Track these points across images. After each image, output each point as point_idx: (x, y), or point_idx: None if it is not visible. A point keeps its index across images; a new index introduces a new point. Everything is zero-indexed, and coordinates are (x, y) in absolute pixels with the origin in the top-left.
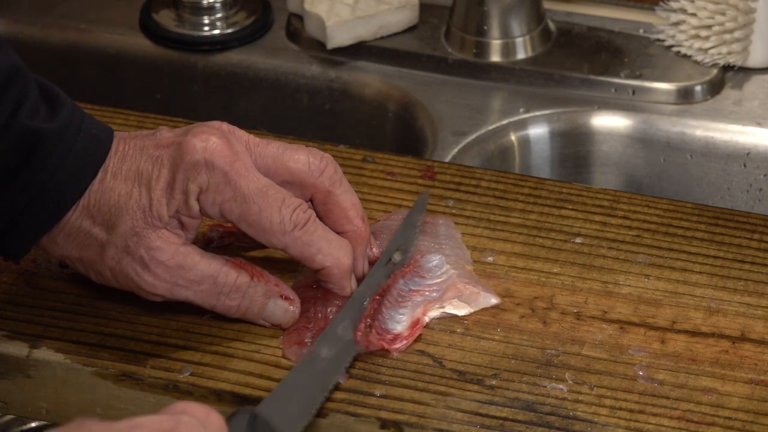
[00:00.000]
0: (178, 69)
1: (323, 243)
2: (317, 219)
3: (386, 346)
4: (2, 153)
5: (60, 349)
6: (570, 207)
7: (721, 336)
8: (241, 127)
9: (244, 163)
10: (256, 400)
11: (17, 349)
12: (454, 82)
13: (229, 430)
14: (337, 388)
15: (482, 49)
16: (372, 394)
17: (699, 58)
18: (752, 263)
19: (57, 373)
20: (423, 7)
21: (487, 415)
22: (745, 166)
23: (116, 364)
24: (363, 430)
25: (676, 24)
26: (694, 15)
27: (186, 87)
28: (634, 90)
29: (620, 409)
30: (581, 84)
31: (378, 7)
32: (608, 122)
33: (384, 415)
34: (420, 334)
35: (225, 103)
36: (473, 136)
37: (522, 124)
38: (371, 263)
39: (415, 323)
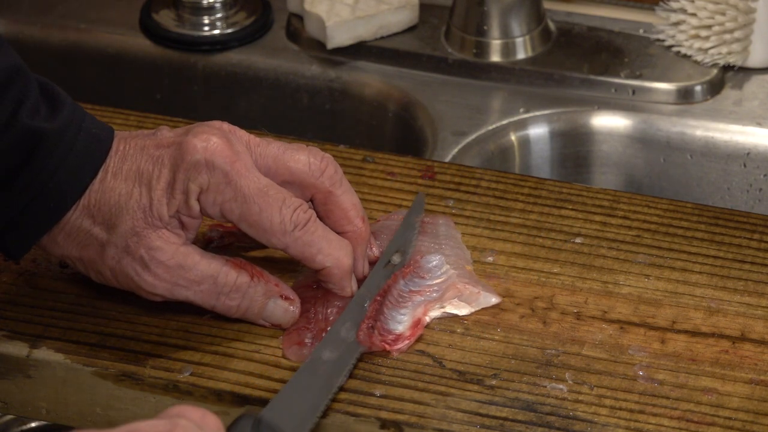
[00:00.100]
0: (178, 69)
1: (324, 243)
2: (317, 219)
3: (388, 347)
4: (3, 152)
5: (60, 349)
6: (570, 207)
7: (721, 336)
8: (241, 127)
9: (244, 163)
10: (256, 400)
11: (17, 349)
12: (454, 82)
13: None
14: (340, 390)
15: (482, 49)
16: (372, 394)
17: (699, 58)
18: (752, 263)
19: (57, 373)
20: (423, 7)
21: (487, 415)
22: (745, 166)
23: (116, 364)
24: (363, 430)
25: (676, 24)
26: (694, 15)
27: (186, 87)
28: (634, 90)
29: (620, 409)
30: (581, 84)
31: (378, 7)
32: (608, 122)
33: (384, 415)
34: (421, 334)
35: (225, 103)
36: (473, 136)
37: (522, 124)
38: (371, 263)
39: (416, 323)
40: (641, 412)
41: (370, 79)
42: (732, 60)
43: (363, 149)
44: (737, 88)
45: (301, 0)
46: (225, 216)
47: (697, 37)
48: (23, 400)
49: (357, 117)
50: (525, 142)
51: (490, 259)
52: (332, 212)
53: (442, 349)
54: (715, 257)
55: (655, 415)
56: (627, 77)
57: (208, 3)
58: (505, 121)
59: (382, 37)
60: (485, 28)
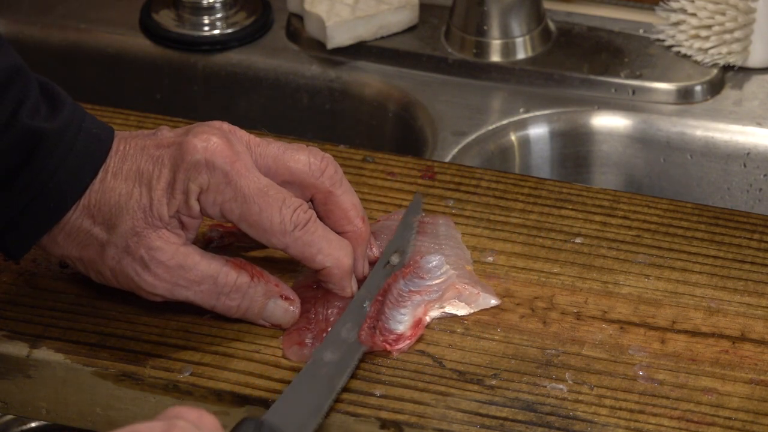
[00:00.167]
0: (178, 69)
1: (324, 243)
2: (318, 219)
3: (389, 347)
4: (3, 152)
5: (60, 349)
6: (570, 207)
7: (721, 336)
8: (241, 127)
9: (244, 163)
10: (256, 400)
11: (17, 349)
12: (454, 82)
13: None
14: (347, 390)
15: (482, 49)
16: (372, 394)
17: (699, 58)
18: (752, 263)
19: (57, 373)
20: (423, 7)
21: (487, 415)
22: (745, 166)
23: (116, 364)
24: (363, 430)
25: (676, 24)
26: (694, 15)
27: (186, 87)
28: (634, 90)
29: (620, 409)
30: (581, 84)
31: (378, 7)
32: (608, 122)
33: (384, 415)
34: (422, 334)
35: (225, 103)
36: (473, 136)
37: (522, 124)
38: (371, 263)
39: (417, 323)
40: (641, 412)
41: (370, 79)
42: (732, 60)
43: (363, 149)
44: (737, 88)
45: (301, 0)
46: (225, 216)
47: (697, 37)
48: (23, 400)
49: (357, 117)
50: (525, 142)
51: (490, 259)
52: (332, 212)
53: (442, 349)
54: (715, 257)
55: (655, 415)
56: (627, 77)
57: (208, 3)
58: (505, 121)
59: (382, 37)
60: (485, 28)
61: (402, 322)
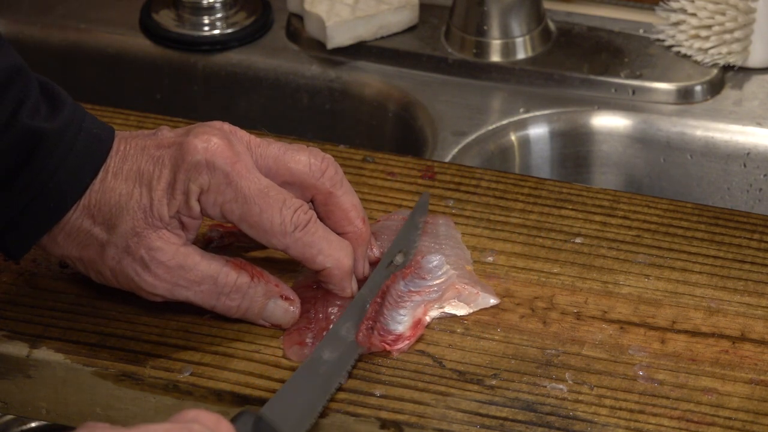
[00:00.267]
0: (178, 69)
1: (324, 244)
2: (318, 220)
3: (388, 347)
4: (3, 152)
5: (60, 349)
6: (570, 207)
7: (721, 336)
8: (241, 127)
9: (245, 164)
10: (256, 400)
11: (17, 349)
12: (454, 82)
13: None
14: (347, 390)
15: (482, 49)
16: (372, 394)
17: (699, 58)
18: (752, 263)
19: (57, 373)
20: (423, 7)
21: (487, 415)
22: (745, 166)
23: (116, 364)
24: (363, 430)
25: (676, 24)
26: (694, 15)
27: (186, 87)
28: (634, 90)
29: (620, 409)
30: (581, 84)
31: (378, 7)
32: (608, 122)
33: (384, 415)
34: (421, 334)
35: (225, 103)
36: (473, 136)
37: (522, 124)
38: (372, 264)
39: (417, 323)
40: (641, 412)
41: (370, 79)
42: (732, 60)
43: (363, 149)
44: (737, 88)
45: (301, 0)
46: (225, 217)
47: (697, 37)
48: (23, 400)
49: (357, 117)
50: (525, 142)
51: (490, 259)
52: (333, 213)
53: (442, 349)
54: (715, 257)
55: (655, 415)
56: (627, 77)
57: (208, 3)
58: (505, 121)
59: (382, 37)
60: (485, 28)
61: (401, 322)
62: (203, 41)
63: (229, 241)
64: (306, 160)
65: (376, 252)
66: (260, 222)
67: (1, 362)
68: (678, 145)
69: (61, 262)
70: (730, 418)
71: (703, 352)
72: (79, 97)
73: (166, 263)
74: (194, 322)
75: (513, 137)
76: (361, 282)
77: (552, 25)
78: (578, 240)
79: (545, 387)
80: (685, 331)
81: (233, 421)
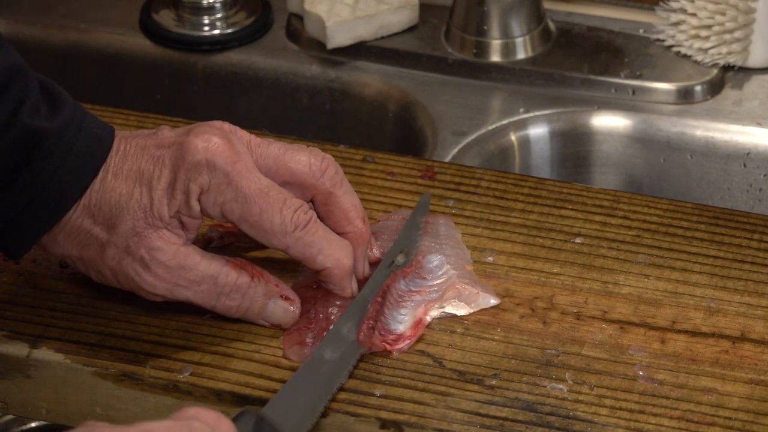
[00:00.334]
0: (178, 69)
1: (324, 244)
2: (318, 220)
3: (389, 347)
4: (3, 152)
5: (60, 349)
6: (570, 207)
7: (721, 336)
8: (241, 127)
9: (245, 164)
10: (256, 400)
11: (17, 349)
12: (454, 82)
13: None
14: (347, 390)
15: (482, 49)
16: (372, 394)
17: (699, 58)
18: (752, 263)
19: (57, 373)
20: (423, 7)
21: (487, 415)
22: (745, 166)
23: (116, 364)
24: (363, 430)
25: (676, 24)
26: (694, 15)
27: (186, 87)
28: (634, 90)
29: (620, 409)
30: (581, 84)
31: (378, 7)
32: (608, 122)
33: (384, 415)
34: (422, 334)
35: (225, 103)
36: (473, 136)
37: (522, 124)
38: (372, 264)
39: (418, 323)
40: (641, 412)
41: (370, 79)
42: (732, 60)
43: (363, 149)
44: (737, 88)
45: (301, 0)
46: (226, 216)
47: (697, 37)
48: (23, 400)
49: (357, 117)
50: (525, 142)
51: (490, 259)
52: (333, 213)
53: (442, 349)
54: (715, 257)
55: (655, 415)
56: (627, 77)
57: (208, 3)
58: (505, 121)
59: (382, 37)
60: (485, 28)
61: (402, 322)
62: (203, 41)
63: (229, 241)
64: (306, 160)
65: (376, 252)
66: (260, 222)
67: (1, 362)
68: (678, 145)
69: (61, 262)
70: (730, 418)
71: (703, 352)
72: (79, 97)
73: (166, 263)
74: (194, 322)
75: (513, 137)
76: (362, 282)
77: (552, 25)
78: (578, 240)
79: (545, 387)
80: (685, 331)
81: (234, 421)
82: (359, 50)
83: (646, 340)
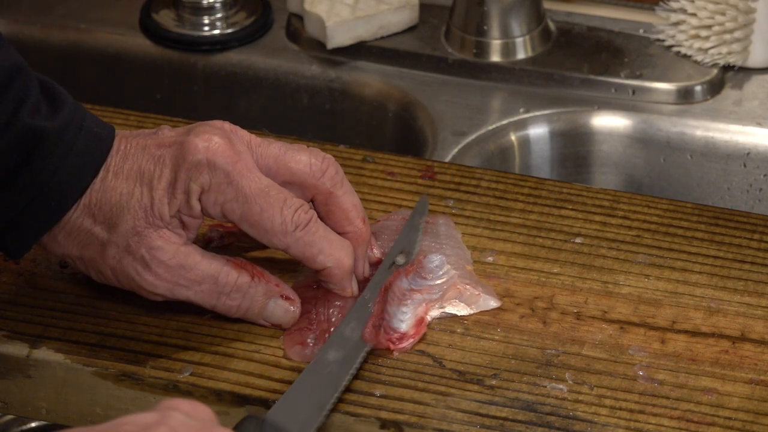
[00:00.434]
0: (178, 69)
1: (324, 243)
2: (318, 219)
3: (392, 346)
4: (3, 152)
5: (60, 349)
6: (570, 207)
7: (721, 336)
8: (241, 127)
9: (246, 164)
10: (256, 400)
11: (17, 349)
12: (454, 82)
13: None
14: (347, 390)
15: (482, 49)
16: (372, 394)
17: (699, 58)
18: (752, 263)
19: (57, 373)
20: (423, 7)
21: (487, 415)
22: (745, 166)
23: (116, 364)
24: (363, 430)
25: (676, 24)
26: (694, 15)
27: (186, 87)
28: (634, 90)
29: (620, 409)
30: (581, 84)
31: (378, 7)
32: (608, 122)
33: (384, 415)
34: (424, 333)
35: (225, 103)
36: (473, 136)
37: (522, 124)
38: (372, 265)
39: (419, 322)
40: (641, 412)
41: (370, 79)
42: (732, 60)
43: (363, 149)
44: (737, 88)
45: (301, 0)
46: (226, 216)
47: (697, 37)
48: (23, 400)
49: (357, 117)
50: (525, 142)
51: (490, 259)
52: (333, 213)
53: (442, 349)
54: (715, 257)
55: (655, 415)
56: (627, 77)
57: (208, 3)
58: (505, 121)
59: (382, 37)
60: (485, 28)
61: (404, 320)
62: (203, 41)
63: (229, 240)
64: (306, 159)
65: (376, 252)
66: (261, 221)
67: (1, 362)
68: (678, 145)
69: (61, 262)
70: (730, 418)
71: (703, 352)
72: (79, 97)
73: (166, 262)
74: (194, 322)
75: (513, 137)
76: (362, 283)
77: (552, 25)
78: (578, 240)
79: (545, 387)
80: (685, 331)
81: (238, 425)
82: (359, 50)
83: (646, 340)
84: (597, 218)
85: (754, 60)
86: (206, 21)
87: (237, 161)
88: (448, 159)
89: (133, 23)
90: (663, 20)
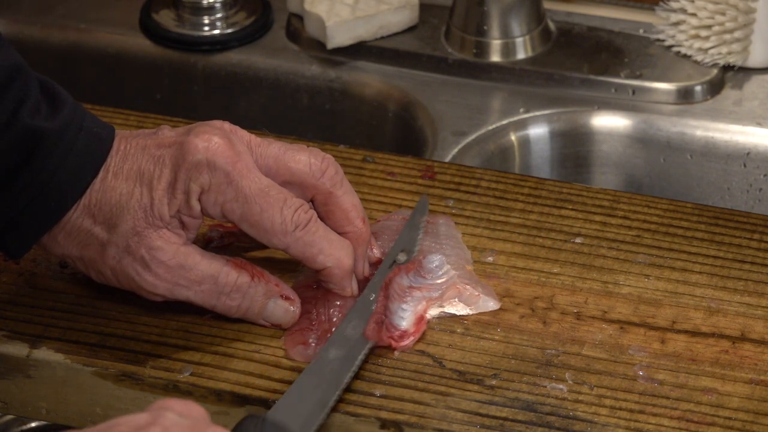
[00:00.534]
0: (178, 69)
1: (324, 243)
2: (318, 219)
3: (394, 344)
4: (3, 152)
5: (60, 349)
6: (570, 207)
7: (721, 336)
8: (241, 127)
9: (245, 164)
10: (256, 400)
11: (17, 349)
12: (454, 82)
13: None
14: (348, 389)
15: (482, 49)
16: (372, 394)
17: (699, 58)
18: (752, 263)
19: (57, 373)
20: (423, 7)
21: (487, 415)
22: (745, 166)
23: (116, 364)
24: (363, 430)
25: (676, 24)
26: (694, 15)
27: (186, 87)
28: (634, 90)
29: (620, 409)
30: (581, 84)
31: (378, 7)
32: (608, 122)
33: (384, 415)
34: (424, 331)
35: (225, 103)
36: (473, 136)
37: (522, 124)
38: (372, 264)
39: (420, 319)
40: (641, 412)
41: (370, 79)
42: (732, 60)
43: (363, 149)
44: (737, 88)
45: (301, 0)
46: (226, 216)
47: (697, 37)
48: (23, 400)
49: (357, 117)
50: (525, 142)
51: (490, 259)
52: (333, 213)
53: (442, 349)
54: (715, 257)
55: (655, 415)
56: (627, 77)
57: (208, 3)
58: (505, 121)
59: (382, 37)
60: (485, 28)
61: (405, 317)
62: (203, 41)
63: (229, 240)
64: (306, 159)
65: (376, 252)
66: (261, 221)
67: (1, 362)
68: (678, 145)
69: (61, 262)
70: (730, 418)
71: (703, 352)
72: (79, 97)
73: (166, 263)
74: (194, 322)
75: (513, 137)
76: (362, 283)
77: (552, 25)
78: (578, 240)
79: (545, 387)
80: (685, 331)
81: (239, 425)
82: (359, 50)
83: (646, 340)
84: (597, 218)
85: (754, 60)
86: (206, 21)
87: (237, 161)
88: (448, 159)
89: (133, 23)
90: (663, 20)
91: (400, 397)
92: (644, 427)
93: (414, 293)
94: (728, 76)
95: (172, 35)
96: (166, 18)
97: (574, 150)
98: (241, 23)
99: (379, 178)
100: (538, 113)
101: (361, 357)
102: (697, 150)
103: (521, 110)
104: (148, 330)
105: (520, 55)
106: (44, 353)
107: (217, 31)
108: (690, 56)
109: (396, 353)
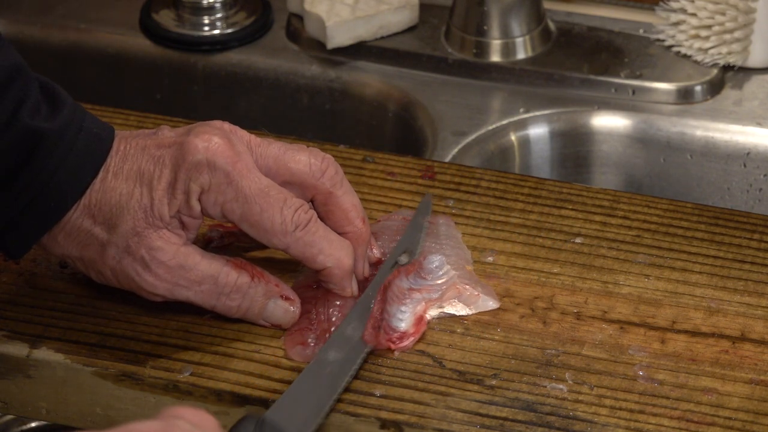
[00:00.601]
0: (178, 69)
1: (324, 243)
2: (318, 219)
3: (393, 346)
4: (3, 152)
5: (60, 349)
6: (570, 207)
7: (721, 336)
8: (241, 127)
9: (245, 164)
10: (256, 400)
11: (17, 349)
12: (454, 82)
13: None
14: (347, 390)
15: (482, 49)
16: (372, 394)
17: (699, 58)
18: (752, 263)
19: (57, 373)
20: (423, 7)
21: (487, 415)
22: (745, 166)
23: (116, 364)
24: (363, 430)
25: (676, 24)
26: (694, 15)
27: (186, 87)
28: (634, 90)
29: (620, 409)
30: (581, 84)
31: (378, 7)
32: (608, 122)
33: (384, 415)
34: (424, 331)
35: (225, 103)
36: (473, 136)
37: (522, 124)
38: (372, 264)
39: (419, 320)
40: (641, 412)
41: (370, 79)
42: (732, 60)
43: (363, 149)
44: (737, 88)
45: (301, 0)
46: (226, 216)
47: (697, 37)
48: (23, 400)
49: (357, 117)
50: (525, 142)
51: (490, 259)
52: (333, 213)
53: (442, 349)
54: (715, 257)
55: (655, 415)
56: (627, 77)
57: (208, 3)
58: (505, 121)
59: (382, 37)
60: (485, 28)
61: (403, 319)
62: (203, 41)
63: (229, 241)
64: (306, 160)
65: (376, 252)
66: (261, 221)
67: (1, 362)
68: (678, 145)
69: (61, 262)
70: (730, 418)
71: (703, 352)
72: (79, 97)
73: (166, 263)
74: (194, 322)
75: (513, 137)
76: (362, 283)
77: (552, 25)
78: (578, 240)
79: (545, 387)
80: (685, 331)
81: (237, 425)
82: (359, 50)
83: (646, 340)
84: (597, 218)
85: (754, 60)
86: (206, 21)
87: (237, 161)
88: (448, 159)
89: (133, 23)
90: (663, 20)
91: (400, 397)
92: (644, 427)
93: (413, 295)
94: (728, 76)
95: (172, 35)
96: (166, 18)
97: (574, 150)
98: (241, 23)
99: (379, 178)
100: (538, 113)
101: (359, 361)
102: (697, 150)
103: (521, 110)
104: (148, 330)
105: (520, 55)
106: (44, 353)
107: (217, 31)
108: (690, 56)
109: (396, 353)
